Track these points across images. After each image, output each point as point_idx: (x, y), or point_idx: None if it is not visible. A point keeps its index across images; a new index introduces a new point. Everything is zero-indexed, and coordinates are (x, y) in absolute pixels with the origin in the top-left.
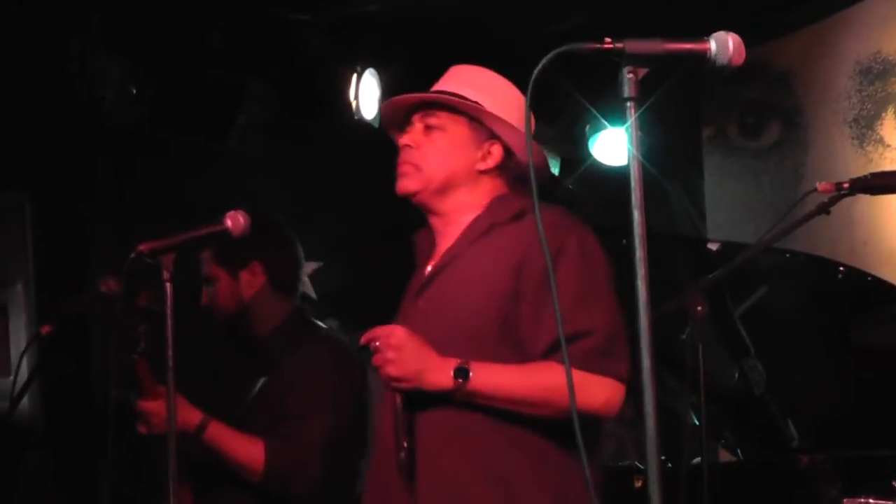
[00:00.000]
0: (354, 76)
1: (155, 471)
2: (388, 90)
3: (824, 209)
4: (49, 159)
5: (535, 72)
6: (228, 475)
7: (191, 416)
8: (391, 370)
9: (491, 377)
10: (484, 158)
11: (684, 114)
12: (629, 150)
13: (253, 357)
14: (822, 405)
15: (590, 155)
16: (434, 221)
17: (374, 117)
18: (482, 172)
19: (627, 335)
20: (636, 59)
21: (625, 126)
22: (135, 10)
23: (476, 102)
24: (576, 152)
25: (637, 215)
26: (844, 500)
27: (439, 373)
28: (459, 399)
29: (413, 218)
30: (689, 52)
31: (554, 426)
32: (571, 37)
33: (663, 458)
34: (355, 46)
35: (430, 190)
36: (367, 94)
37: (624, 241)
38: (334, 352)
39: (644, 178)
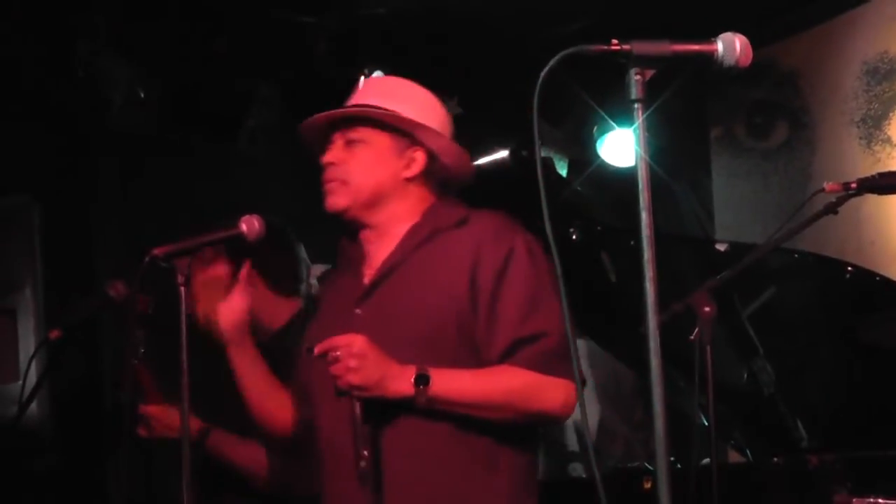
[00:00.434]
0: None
1: (164, 475)
2: None
3: (832, 209)
4: (56, 163)
5: (543, 74)
6: (232, 479)
7: (191, 424)
8: (353, 379)
9: (451, 383)
10: (408, 166)
11: (692, 115)
12: (637, 151)
13: None
14: (831, 405)
15: (597, 156)
16: (366, 234)
17: None
18: (408, 180)
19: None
20: (643, 61)
21: (632, 127)
22: (142, 13)
23: (393, 111)
24: (583, 154)
25: (645, 216)
26: (854, 501)
27: (400, 380)
28: (420, 406)
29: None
30: (697, 54)
31: (507, 430)
32: (578, 39)
33: (672, 459)
34: (363, 49)
35: (359, 204)
36: None
37: (632, 243)
38: None
39: (652, 179)
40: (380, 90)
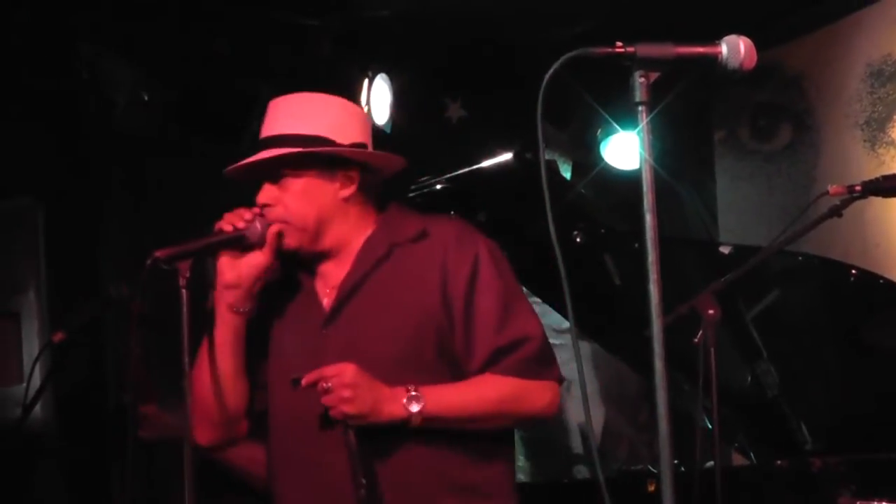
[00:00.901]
0: (366, 81)
1: (166, 476)
2: (400, 95)
3: (836, 212)
4: (60, 165)
5: (547, 76)
6: (232, 479)
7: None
8: (348, 409)
9: (442, 400)
10: (343, 186)
11: (696, 117)
12: (641, 153)
13: None
14: (835, 408)
15: (601, 159)
16: (317, 258)
17: (386, 122)
18: (347, 199)
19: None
20: (647, 63)
21: (636, 130)
22: (146, 16)
23: (314, 136)
24: (587, 156)
25: (649, 219)
26: (857, 503)
27: (393, 403)
28: (415, 426)
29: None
30: (701, 56)
31: (491, 438)
32: (583, 41)
33: (676, 461)
34: (367, 52)
35: (308, 239)
36: (378, 100)
37: (636, 245)
38: None
39: (656, 181)
40: (292, 113)
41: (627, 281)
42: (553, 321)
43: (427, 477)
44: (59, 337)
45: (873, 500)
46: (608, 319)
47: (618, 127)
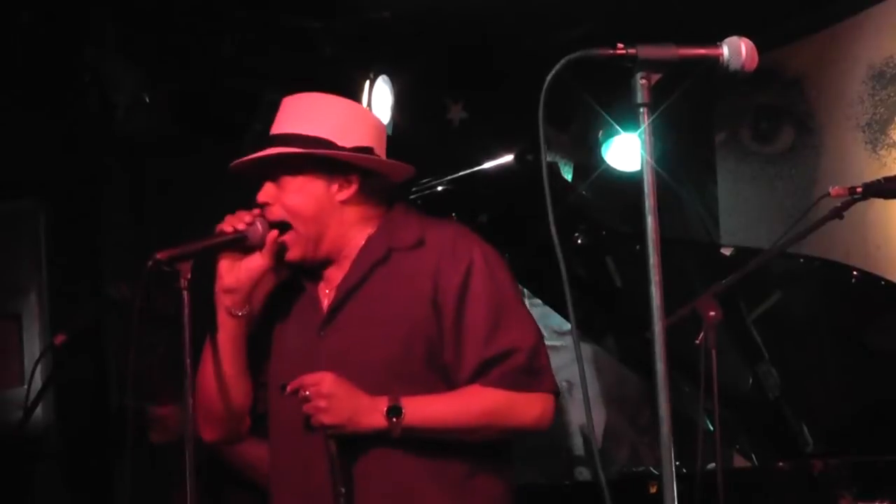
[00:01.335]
0: (367, 83)
1: (169, 473)
2: (401, 96)
3: (837, 214)
4: (62, 168)
5: (549, 78)
6: (238, 477)
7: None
8: (325, 419)
9: (424, 410)
10: (341, 189)
11: (697, 119)
12: (642, 155)
13: None
14: (836, 410)
15: (603, 161)
16: (322, 265)
17: (388, 124)
18: (344, 202)
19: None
20: (649, 65)
21: (638, 132)
22: (148, 18)
23: (315, 137)
24: (589, 158)
25: (650, 221)
26: None
27: (372, 414)
28: (396, 437)
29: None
30: (702, 58)
31: (483, 458)
32: (584, 43)
33: (678, 463)
34: (368, 53)
35: (310, 247)
36: (380, 101)
37: (638, 247)
38: None
39: (657, 183)
40: (300, 113)
41: (629, 283)
42: (554, 323)
43: (415, 487)
44: (60, 339)
45: (874, 502)
46: (609, 321)
47: (619, 129)
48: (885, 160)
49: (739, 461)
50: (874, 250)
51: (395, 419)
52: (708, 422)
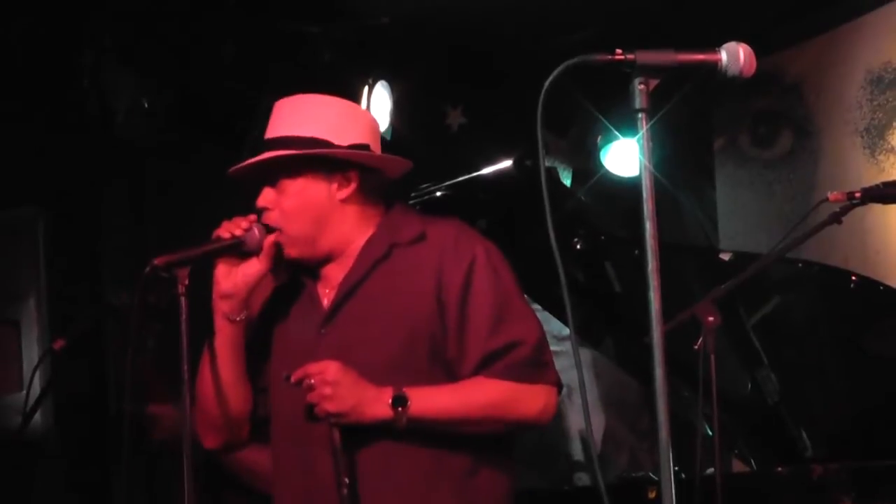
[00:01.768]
0: (366, 88)
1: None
2: (400, 101)
3: (836, 219)
4: (61, 173)
5: (547, 83)
6: (236, 481)
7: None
8: (329, 406)
9: (429, 402)
10: (340, 187)
11: (696, 124)
12: (641, 160)
13: None
14: (835, 415)
15: (601, 166)
16: (321, 263)
17: (386, 129)
18: (344, 201)
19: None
20: (647, 70)
21: (636, 137)
22: (147, 23)
23: (310, 137)
24: (587, 163)
25: (649, 226)
26: None
27: (377, 404)
28: (400, 428)
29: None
30: (700, 63)
31: (486, 450)
32: (583, 48)
33: (677, 468)
34: (367, 58)
35: (308, 247)
36: (379, 106)
37: (636, 252)
38: None
39: (656, 188)
40: (291, 117)
41: (628, 288)
42: (554, 328)
43: (418, 480)
44: (59, 344)
45: None
46: (608, 326)
47: (618, 134)
48: (884, 165)
49: (738, 466)
50: (873, 255)
51: (400, 409)
52: (707, 427)
